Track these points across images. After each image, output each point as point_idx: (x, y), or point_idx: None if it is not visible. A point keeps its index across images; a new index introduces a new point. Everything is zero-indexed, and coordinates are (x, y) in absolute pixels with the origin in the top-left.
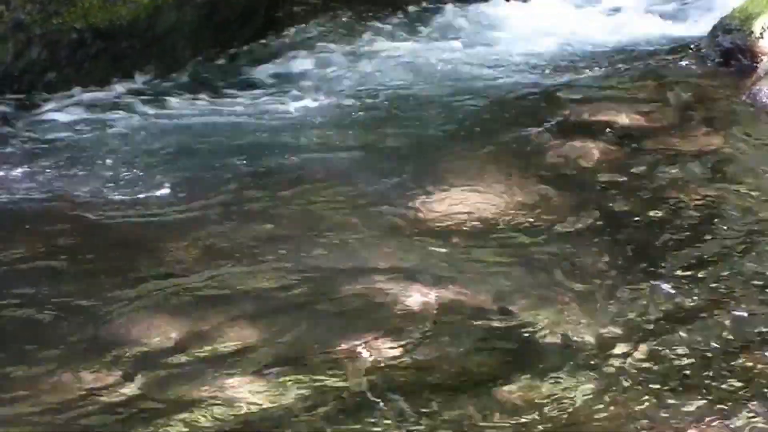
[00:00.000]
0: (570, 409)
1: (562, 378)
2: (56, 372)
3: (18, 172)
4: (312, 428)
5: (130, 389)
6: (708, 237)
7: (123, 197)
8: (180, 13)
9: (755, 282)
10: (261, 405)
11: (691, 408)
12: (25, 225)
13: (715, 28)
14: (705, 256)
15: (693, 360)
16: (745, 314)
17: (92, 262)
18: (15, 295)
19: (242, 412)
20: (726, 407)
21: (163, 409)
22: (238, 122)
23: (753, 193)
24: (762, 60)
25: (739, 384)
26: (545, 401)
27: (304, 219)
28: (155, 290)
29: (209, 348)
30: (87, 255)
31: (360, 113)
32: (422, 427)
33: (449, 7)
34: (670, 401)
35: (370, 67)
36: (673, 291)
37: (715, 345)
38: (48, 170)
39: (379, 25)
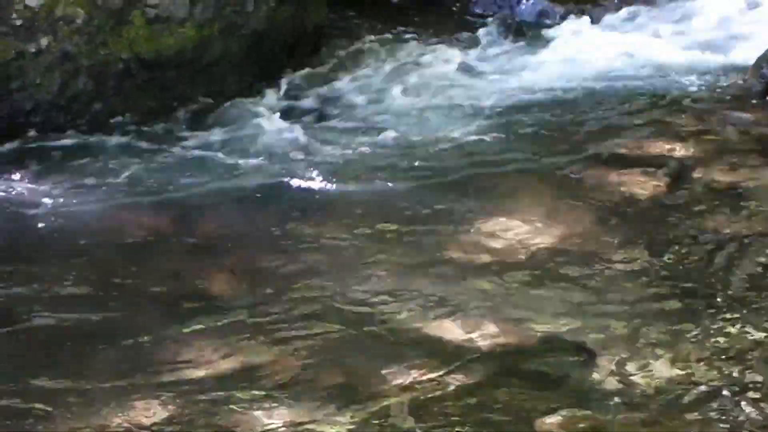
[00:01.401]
0: None
1: (604, 412)
2: (100, 396)
3: (63, 197)
4: None
5: (171, 414)
6: (753, 270)
7: (165, 227)
8: (226, 43)
9: None
10: None
11: None
12: (72, 252)
13: (759, 59)
14: (750, 291)
15: (743, 399)
16: None
17: (136, 290)
18: (62, 321)
19: None
20: None
21: None
22: (278, 154)
23: None
24: None
25: None
26: (584, 428)
27: (348, 250)
28: (198, 318)
29: (251, 376)
30: (131, 283)
31: (400, 144)
32: None
33: (497, 35)
34: None
35: (412, 97)
36: (723, 328)
37: (750, 373)
38: (93, 198)
39: (421, 50)
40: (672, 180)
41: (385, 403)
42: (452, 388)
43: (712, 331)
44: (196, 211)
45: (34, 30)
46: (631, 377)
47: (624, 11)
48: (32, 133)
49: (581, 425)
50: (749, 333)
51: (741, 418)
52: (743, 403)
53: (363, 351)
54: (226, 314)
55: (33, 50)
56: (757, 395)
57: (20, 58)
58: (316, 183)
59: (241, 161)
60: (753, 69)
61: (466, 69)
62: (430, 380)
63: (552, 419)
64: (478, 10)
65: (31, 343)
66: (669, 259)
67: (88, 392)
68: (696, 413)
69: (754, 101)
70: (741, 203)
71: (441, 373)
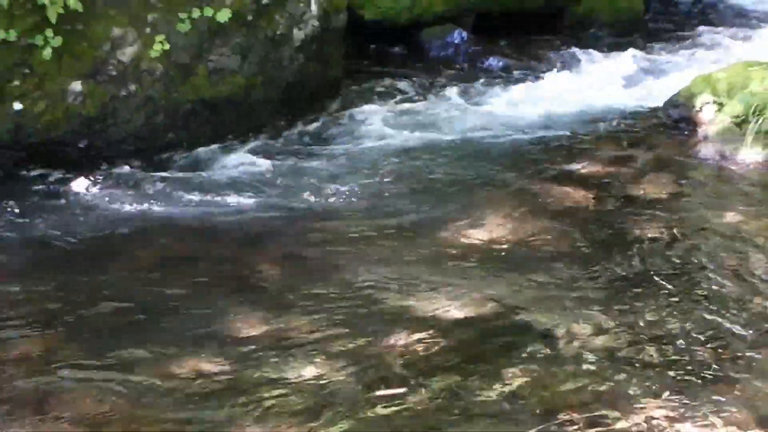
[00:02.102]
0: (550, 382)
1: (548, 360)
2: (171, 356)
3: (151, 204)
4: (366, 398)
5: (228, 370)
6: (659, 255)
7: (223, 226)
8: (266, 90)
9: (698, 291)
10: (326, 383)
11: (642, 389)
12: (153, 242)
13: (666, 102)
14: (657, 269)
15: (644, 347)
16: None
17: (202, 272)
18: (141, 295)
19: (311, 388)
20: (679, 388)
21: (255, 386)
22: (301, 176)
23: (691, 223)
24: (700, 127)
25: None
26: (536, 377)
27: (356, 246)
28: (248, 295)
29: (289, 341)
30: (198, 266)
31: (401, 166)
32: (445, 393)
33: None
34: (629, 381)
35: (411, 130)
36: (636, 297)
37: (660, 333)
38: (173, 205)
39: (413, 92)
40: (599, 191)
41: (384, 359)
42: (436, 348)
43: (629, 306)
44: (244, 217)
45: (126, 79)
46: (571, 339)
47: (566, 66)
48: (121, 157)
49: (530, 369)
50: (650, 296)
51: (651, 374)
52: (650, 360)
53: (367, 320)
54: (266, 291)
55: (124, 94)
56: (658, 342)
57: (114, 101)
58: (331, 199)
59: (275, 181)
60: (663, 109)
61: (449, 109)
62: (419, 341)
63: (511, 369)
64: (460, 62)
65: (128, 310)
66: (600, 249)
67: (163, 348)
68: (616, 367)
69: (663, 134)
70: (653, 209)
71: (427, 336)
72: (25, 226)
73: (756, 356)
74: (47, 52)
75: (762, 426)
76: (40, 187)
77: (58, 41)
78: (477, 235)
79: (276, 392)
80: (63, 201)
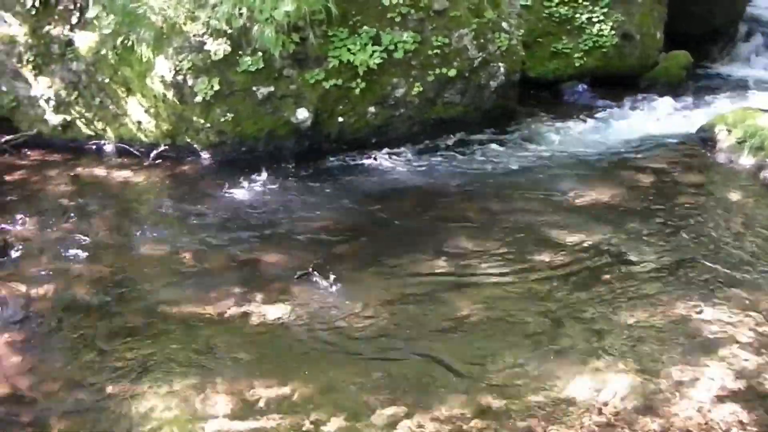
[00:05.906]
0: (626, 270)
1: (623, 262)
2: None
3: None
4: (523, 285)
5: (445, 265)
6: (689, 211)
7: (448, 181)
8: (473, 114)
9: (710, 229)
10: (498, 283)
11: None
12: (412, 193)
13: (698, 129)
14: (687, 218)
15: (674, 258)
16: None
17: (438, 209)
18: (403, 221)
19: (487, 279)
20: None
21: (456, 263)
22: (500, 152)
23: (709, 195)
24: (718, 144)
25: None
26: (625, 274)
27: (522, 199)
28: (458, 225)
29: (485, 252)
30: (431, 205)
31: (549, 153)
32: (570, 285)
33: (548, 126)
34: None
35: (554, 137)
36: (674, 232)
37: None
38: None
39: (560, 123)
40: (656, 180)
41: (536, 266)
42: (566, 260)
43: (671, 236)
44: (463, 176)
45: (398, 106)
46: (635, 254)
47: (641, 106)
48: (394, 146)
49: (623, 272)
50: (685, 236)
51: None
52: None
53: (524, 242)
54: (469, 226)
55: (397, 114)
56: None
57: (392, 117)
58: (509, 165)
59: (483, 155)
60: (696, 133)
61: (576, 126)
62: (557, 258)
63: (605, 269)
64: (582, 102)
65: (392, 226)
66: (655, 208)
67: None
68: (646, 275)
69: (695, 148)
70: (688, 187)
71: (564, 254)
72: (347, 185)
73: (741, 265)
74: (357, 91)
75: None
76: (357, 161)
77: (363, 85)
78: (584, 199)
79: (467, 276)
80: (368, 169)
